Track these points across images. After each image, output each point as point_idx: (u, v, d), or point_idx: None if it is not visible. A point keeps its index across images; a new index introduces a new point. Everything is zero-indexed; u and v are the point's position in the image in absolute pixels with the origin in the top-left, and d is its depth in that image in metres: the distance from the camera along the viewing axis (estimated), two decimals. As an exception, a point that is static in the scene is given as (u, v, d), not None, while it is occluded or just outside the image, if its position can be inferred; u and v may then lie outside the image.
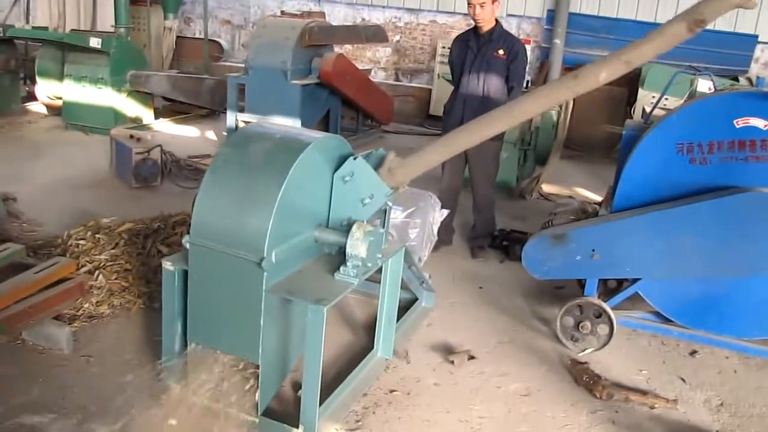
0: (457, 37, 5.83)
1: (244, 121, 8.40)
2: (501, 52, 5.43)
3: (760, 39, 10.81)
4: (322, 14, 12.22)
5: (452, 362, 4.02)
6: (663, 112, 4.58)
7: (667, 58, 9.90)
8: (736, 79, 9.21)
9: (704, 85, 5.50)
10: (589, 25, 11.38)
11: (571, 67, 11.12)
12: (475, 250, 5.93)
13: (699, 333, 4.28)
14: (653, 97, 6.66)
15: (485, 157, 5.67)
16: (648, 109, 5.15)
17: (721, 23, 10.75)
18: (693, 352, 4.41)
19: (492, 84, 5.48)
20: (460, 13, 12.30)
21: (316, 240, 3.31)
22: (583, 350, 4.28)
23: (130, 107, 9.56)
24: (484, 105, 5.26)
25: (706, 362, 4.32)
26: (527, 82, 8.73)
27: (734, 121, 3.87)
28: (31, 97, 10.34)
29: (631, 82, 10.43)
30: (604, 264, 4.20)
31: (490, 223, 6.02)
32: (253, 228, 2.90)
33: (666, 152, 4.03)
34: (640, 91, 9.73)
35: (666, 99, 6.32)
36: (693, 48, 10.30)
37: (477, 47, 5.51)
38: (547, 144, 7.90)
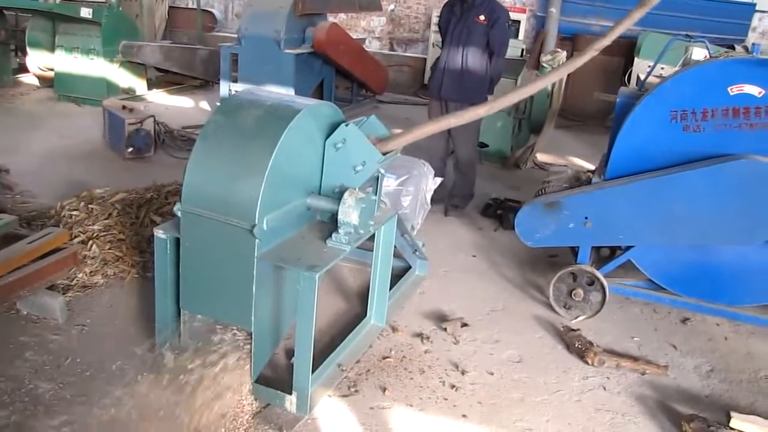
0: (445, 2, 5.97)
1: (237, 92, 8.34)
2: (482, 17, 5.57)
3: (758, 8, 10.74)
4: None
5: (445, 330, 4.04)
6: (658, 80, 4.56)
7: (664, 27, 9.85)
8: (732, 48, 9.14)
9: (699, 53, 5.49)
10: (586, -7, 11.29)
11: (567, 36, 11.06)
12: (449, 208, 6.02)
13: (691, 300, 4.30)
14: (649, 65, 6.62)
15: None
16: (643, 77, 5.13)
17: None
18: (684, 320, 4.44)
19: (471, 50, 5.63)
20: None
21: (308, 207, 3.30)
22: (576, 317, 4.31)
23: (123, 78, 9.48)
24: (462, 75, 5.65)
25: (697, 329, 4.36)
26: (522, 50, 8.67)
27: (728, 88, 3.84)
28: (23, 68, 10.25)
29: (627, 51, 10.38)
30: (596, 231, 4.21)
31: (469, 185, 6.13)
32: (245, 195, 2.89)
33: (659, 119, 4.01)
34: (636, 59, 9.68)
35: (662, 68, 6.30)
36: (690, 17, 10.25)
37: (460, 13, 5.70)
38: (541, 113, 7.87)
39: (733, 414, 3.26)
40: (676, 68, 5.29)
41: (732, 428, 3.21)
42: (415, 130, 3.54)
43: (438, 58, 5.94)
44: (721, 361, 4.00)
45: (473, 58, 5.64)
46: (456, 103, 5.71)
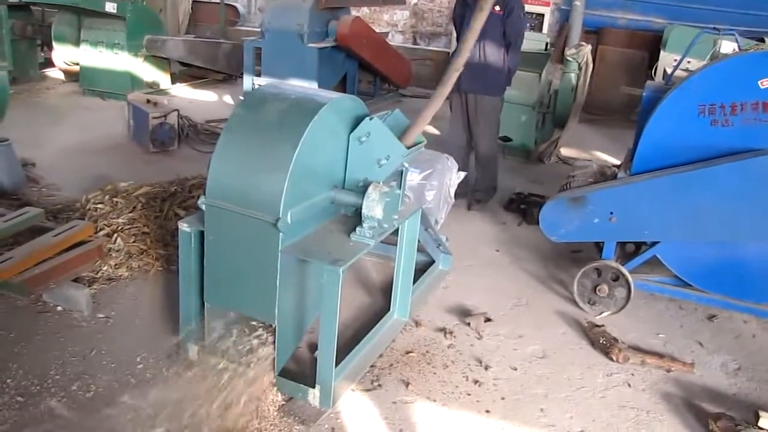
0: None
1: (261, 85, 8.36)
2: (497, 8, 5.55)
3: (788, -1, 10.54)
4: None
5: (468, 324, 4.03)
6: (685, 74, 4.49)
7: (691, 20, 9.71)
8: (762, 40, 8.99)
9: (728, 46, 5.39)
10: (611, -14, 11.16)
11: (592, 29, 10.94)
12: (472, 202, 6.01)
13: (717, 297, 4.24)
14: (675, 59, 6.53)
15: (486, 114, 5.83)
16: (669, 71, 5.05)
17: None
18: (711, 317, 4.38)
19: (488, 42, 5.62)
20: (478, -25, 12.07)
21: (332, 201, 3.30)
22: (600, 313, 4.27)
23: (147, 72, 9.53)
24: (480, 67, 5.64)
25: (724, 327, 4.30)
26: (546, 44, 8.59)
27: (759, 82, 3.77)
28: (49, 63, 10.34)
29: (652, 45, 10.25)
30: (622, 227, 4.17)
31: (491, 178, 6.13)
32: (269, 188, 2.89)
33: (687, 114, 3.95)
34: (662, 52, 9.56)
35: (688, 62, 6.20)
36: (718, 9, 10.10)
37: (474, 4, 5.58)
38: (565, 107, 7.80)
39: (761, 413, 3.22)
40: (704, 62, 5.21)
41: (761, 428, 3.17)
42: (426, 109, 3.50)
43: (455, 52, 5.89)
44: (748, 359, 3.95)
45: (491, 50, 5.65)
46: (476, 95, 5.76)
